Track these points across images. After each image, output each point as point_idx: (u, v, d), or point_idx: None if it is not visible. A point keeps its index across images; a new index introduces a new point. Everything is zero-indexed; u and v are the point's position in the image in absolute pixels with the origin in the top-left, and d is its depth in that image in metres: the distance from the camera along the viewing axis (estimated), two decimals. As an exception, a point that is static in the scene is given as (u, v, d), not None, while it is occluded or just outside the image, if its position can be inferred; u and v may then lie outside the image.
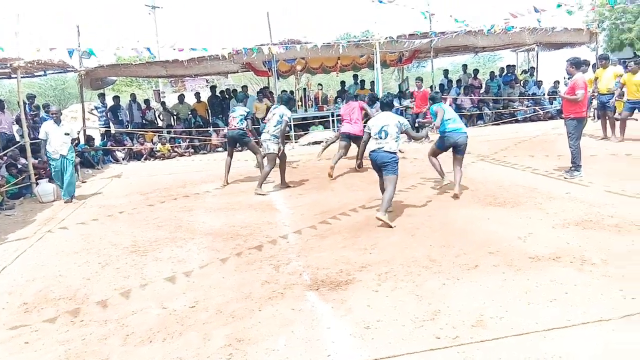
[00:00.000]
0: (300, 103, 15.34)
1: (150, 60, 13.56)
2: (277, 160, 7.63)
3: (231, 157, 8.59)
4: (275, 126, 7.44)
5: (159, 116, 15.48)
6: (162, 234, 5.71)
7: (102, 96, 14.40)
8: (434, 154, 6.80)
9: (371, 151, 5.75)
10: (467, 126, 13.99)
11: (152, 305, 3.69)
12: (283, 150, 7.55)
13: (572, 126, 6.81)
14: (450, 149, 6.51)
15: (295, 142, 13.77)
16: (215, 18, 71.41)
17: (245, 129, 8.25)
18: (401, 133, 5.66)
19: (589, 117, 10.44)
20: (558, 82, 15.67)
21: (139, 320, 3.47)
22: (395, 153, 5.58)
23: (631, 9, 26.13)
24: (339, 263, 4.27)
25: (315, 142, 13.46)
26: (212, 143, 13.55)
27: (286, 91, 8.24)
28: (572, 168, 6.90)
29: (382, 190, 5.75)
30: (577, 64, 6.87)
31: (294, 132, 13.89)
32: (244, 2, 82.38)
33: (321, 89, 16.37)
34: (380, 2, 11.70)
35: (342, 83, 16.67)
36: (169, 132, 13.76)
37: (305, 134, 14.20)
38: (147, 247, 5.22)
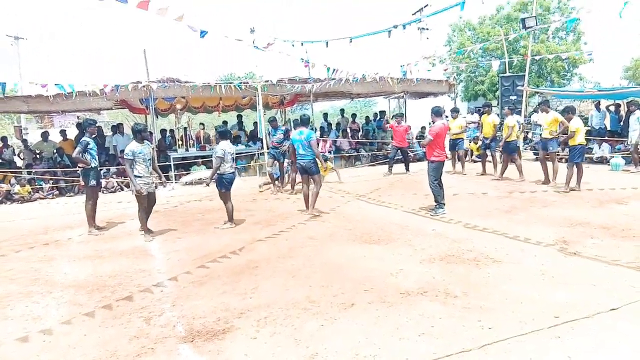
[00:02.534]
0: (180, 142, 14.93)
1: (10, 94, 12.29)
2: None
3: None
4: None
5: (18, 154, 14.06)
6: (14, 288, 5.05)
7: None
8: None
9: (229, 173, 7.33)
10: (345, 167, 14.95)
11: (-5, 375, 3.20)
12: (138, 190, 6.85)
13: (432, 168, 7.47)
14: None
15: (176, 182, 13.26)
16: (91, 53, 67.52)
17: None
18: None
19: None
20: (424, 127, 17.25)
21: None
22: None
23: (482, 65, 30.10)
24: (217, 310, 4.11)
25: (198, 182, 13.07)
26: (80, 184, 12.46)
27: (139, 123, 8.02)
28: (436, 206, 7.53)
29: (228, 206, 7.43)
30: (437, 113, 7.63)
31: (174, 172, 13.39)
32: (123, 38, 79.27)
33: (203, 129, 16.13)
34: (256, 47, 11.98)
35: (225, 123, 16.59)
36: (29, 173, 12.41)
37: (187, 173, 13.78)
38: (-6, 304, 4.57)
